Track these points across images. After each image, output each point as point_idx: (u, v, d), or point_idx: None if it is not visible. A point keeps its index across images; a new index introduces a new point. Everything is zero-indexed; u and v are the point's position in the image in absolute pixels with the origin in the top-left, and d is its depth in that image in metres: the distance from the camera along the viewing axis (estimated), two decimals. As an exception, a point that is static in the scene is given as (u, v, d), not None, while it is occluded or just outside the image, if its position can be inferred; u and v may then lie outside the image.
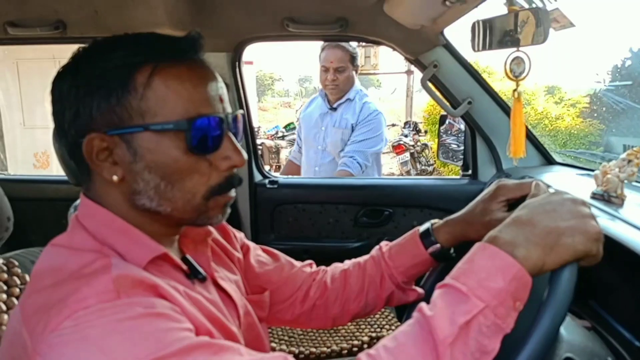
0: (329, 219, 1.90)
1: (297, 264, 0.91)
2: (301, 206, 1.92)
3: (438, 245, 0.82)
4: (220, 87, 0.64)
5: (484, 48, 1.08)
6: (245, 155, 0.65)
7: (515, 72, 1.02)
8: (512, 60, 1.02)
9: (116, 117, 0.58)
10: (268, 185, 1.94)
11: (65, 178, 1.40)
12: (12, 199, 1.94)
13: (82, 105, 0.59)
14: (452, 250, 0.84)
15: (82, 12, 1.54)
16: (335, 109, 2.31)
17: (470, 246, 0.60)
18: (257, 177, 1.98)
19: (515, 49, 1.00)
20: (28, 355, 0.50)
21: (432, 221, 0.86)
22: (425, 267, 0.85)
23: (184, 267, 0.67)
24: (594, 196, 1.07)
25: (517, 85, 1.03)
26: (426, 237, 0.83)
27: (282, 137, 9.23)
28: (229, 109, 0.64)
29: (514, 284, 0.54)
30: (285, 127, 9.59)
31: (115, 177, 0.60)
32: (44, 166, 6.47)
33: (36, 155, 6.47)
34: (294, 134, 9.16)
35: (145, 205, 0.62)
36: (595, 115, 6.28)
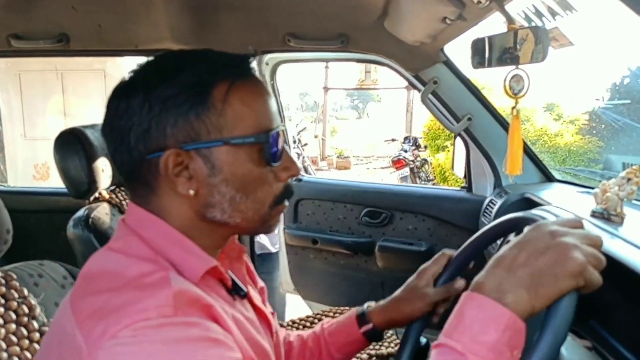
0: (339, 215, 2.16)
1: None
2: (318, 202, 2.17)
3: (370, 325, 0.88)
4: (273, 100, 0.67)
5: (483, 65, 1.09)
6: (300, 165, 0.67)
7: (515, 89, 1.02)
8: (512, 77, 1.03)
9: (194, 133, 0.60)
10: (293, 181, 2.12)
11: (65, 190, 1.40)
12: (11, 210, 1.94)
13: (156, 121, 0.59)
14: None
15: (85, 26, 1.56)
16: None
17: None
18: None
19: (514, 66, 1.00)
20: (81, 358, 0.50)
21: (368, 303, 0.92)
22: (358, 345, 0.90)
23: (229, 282, 0.68)
24: (594, 214, 1.07)
25: (516, 102, 1.04)
26: (362, 318, 0.89)
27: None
28: (280, 121, 0.67)
29: (508, 334, 0.53)
30: (285, 140, 9.61)
31: (191, 191, 0.61)
32: (44, 178, 6.47)
33: (36, 167, 6.48)
34: (294, 147, 9.18)
35: (216, 218, 0.63)
36: (594, 132, 6.31)
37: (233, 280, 0.69)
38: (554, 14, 0.94)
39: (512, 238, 1.24)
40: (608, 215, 1.05)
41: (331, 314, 1.69)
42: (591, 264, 0.54)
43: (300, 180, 2.25)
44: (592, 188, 1.53)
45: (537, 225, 0.59)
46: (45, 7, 1.46)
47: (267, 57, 2.14)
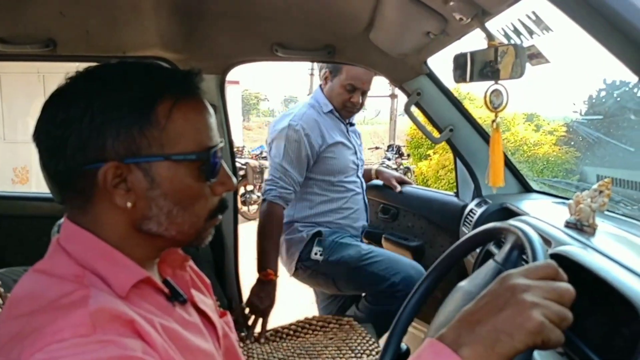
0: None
1: None
2: None
3: None
4: (214, 117, 0.68)
5: (465, 80, 1.12)
6: (235, 180, 0.69)
7: (495, 103, 1.06)
8: (492, 92, 1.07)
9: (135, 146, 0.60)
10: None
11: (48, 195, 1.40)
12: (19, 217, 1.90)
13: (97, 133, 0.59)
14: None
15: (73, 31, 1.55)
16: (352, 124, 2.09)
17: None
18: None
19: (494, 81, 1.04)
20: None
21: None
22: None
23: (166, 290, 0.68)
24: (568, 225, 1.12)
25: (496, 116, 1.08)
26: None
27: (267, 157, 9.23)
28: (219, 137, 0.68)
29: None
30: (269, 146, 9.60)
31: (129, 204, 0.61)
32: (23, 181, 6.36)
33: (15, 170, 6.36)
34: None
35: (151, 230, 0.64)
36: (572, 143, 6.47)
37: (172, 288, 0.69)
38: (531, 32, 0.98)
39: (491, 247, 1.29)
40: (581, 226, 1.09)
41: (314, 322, 1.70)
42: (553, 322, 0.52)
43: None
44: (568, 199, 1.59)
45: (501, 278, 0.58)
46: (33, 12, 1.46)
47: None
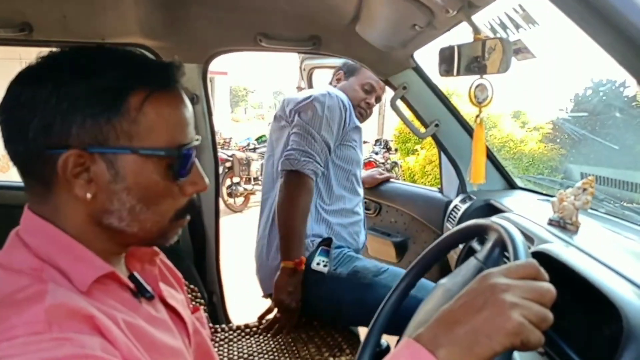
0: None
1: None
2: None
3: None
4: (191, 113, 0.65)
5: (451, 74, 1.10)
6: (207, 181, 0.67)
7: (479, 98, 1.05)
8: (476, 86, 1.05)
9: (101, 136, 0.58)
10: None
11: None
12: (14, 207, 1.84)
13: (62, 118, 0.56)
14: None
15: (50, 15, 1.50)
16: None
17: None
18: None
19: (479, 76, 1.02)
20: None
21: None
22: None
23: (131, 285, 0.66)
24: (551, 222, 1.11)
25: (480, 111, 1.06)
26: None
27: (254, 150, 9.18)
28: (194, 134, 0.66)
29: None
30: (257, 139, 9.55)
31: (88, 195, 0.58)
32: (4, 169, 6.22)
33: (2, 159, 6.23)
34: (265, 146, 9.12)
35: (112, 225, 0.61)
36: (557, 141, 6.52)
37: (138, 283, 0.67)
38: (517, 26, 0.96)
39: (474, 244, 1.28)
40: (564, 224, 1.08)
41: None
42: (532, 323, 0.51)
43: None
44: (552, 196, 1.59)
45: (481, 277, 0.57)
46: (8, -6, 1.40)
47: (305, 63, 2.37)
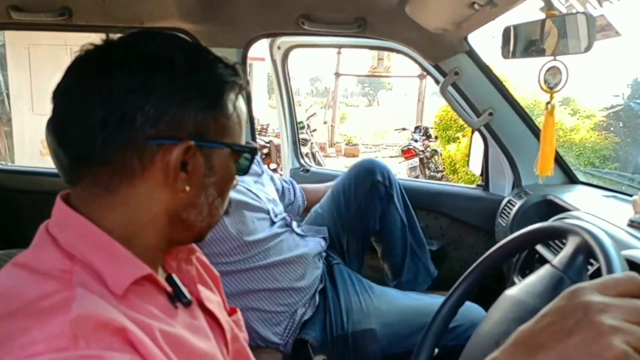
0: None
1: None
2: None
3: None
4: None
5: (514, 55, 0.99)
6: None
7: (550, 83, 0.93)
8: (548, 70, 0.93)
9: (204, 130, 0.58)
10: (301, 173, 2.21)
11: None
12: (11, 190, 1.87)
13: (175, 108, 0.55)
14: None
15: (89, 0, 1.47)
16: None
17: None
18: (295, 164, 2.26)
19: (551, 58, 0.91)
20: None
21: None
22: None
23: (169, 288, 0.60)
24: (632, 224, 0.99)
25: (552, 97, 0.94)
26: None
27: (291, 136, 9.14)
28: None
29: None
30: (294, 126, 9.50)
31: (187, 188, 0.57)
32: (44, 154, 6.46)
33: (43, 142, 6.45)
34: (302, 133, 9.07)
35: (189, 219, 0.60)
36: (611, 129, 6.16)
37: (176, 286, 0.62)
38: (600, 0, 0.84)
39: (538, 247, 1.16)
40: (646, 227, 0.96)
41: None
42: (638, 352, 0.42)
43: (307, 171, 2.21)
44: (619, 192, 1.45)
45: (569, 293, 0.47)
46: (47, -21, 1.38)
47: (279, 40, 2.05)
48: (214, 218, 0.63)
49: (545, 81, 0.93)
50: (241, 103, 0.62)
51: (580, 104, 7.59)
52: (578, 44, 0.86)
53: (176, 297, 0.60)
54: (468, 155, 2.07)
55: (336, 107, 13.67)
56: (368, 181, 1.60)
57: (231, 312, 0.78)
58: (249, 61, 1.79)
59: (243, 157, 0.63)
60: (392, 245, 1.65)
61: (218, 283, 0.77)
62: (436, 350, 0.93)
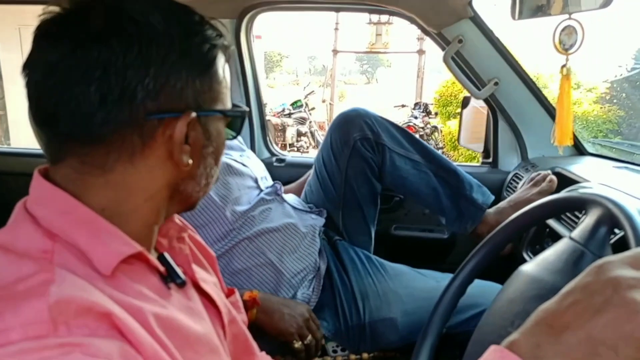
0: None
1: None
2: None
3: None
4: None
5: (526, 15, 0.92)
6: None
7: (565, 44, 0.86)
8: (563, 29, 0.86)
9: (201, 98, 0.54)
10: (275, 164, 1.83)
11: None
12: (4, 173, 1.80)
13: (175, 79, 0.51)
14: None
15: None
16: None
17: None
18: (265, 154, 1.90)
19: (566, 16, 0.84)
20: None
21: None
22: None
23: (161, 268, 0.56)
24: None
25: (567, 59, 0.88)
26: None
27: (289, 115, 9.06)
28: None
29: None
30: (292, 104, 9.41)
31: (190, 161, 0.54)
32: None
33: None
34: (300, 111, 8.97)
35: (187, 191, 0.58)
36: (615, 101, 6.06)
37: (169, 265, 0.57)
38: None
39: (551, 222, 1.11)
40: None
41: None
42: None
43: (282, 161, 1.85)
44: (631, 163, 1.39)
45: (596, 268, 0.43)
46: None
47: None
48: (208, 187, 0.61)
49: (560, 42, 0.86)
50: (226, 66, 0.59)
51: (582, 77, 7.49)
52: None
53: (169, 277, 0.56)
54: (459, 130, 1.98)
55: (334, 85, 13.53)
56: (345, 144, 1.34)
57: (229, 294, 0.74)
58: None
59: (234, 121, 0.61)
60: (416, 193, 1.39)
61: (214, 263, 0.73)
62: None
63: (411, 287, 1.26)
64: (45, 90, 0.49)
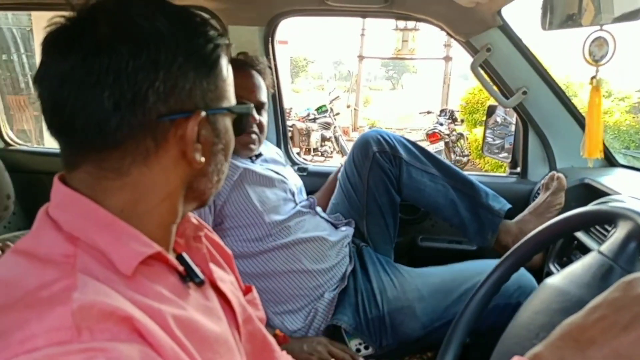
0: None
1: None
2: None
3: None
4: None
5: (555, 26, 0.91)
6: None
7: (596, 55, 0.85)
8: (593, 41, 0.85)
9: (208, 96, 0.56)
10: (297, 174, 1.79)
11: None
12: (37, 172, 1.87)
13: (184, 79, 0.53)
14: None
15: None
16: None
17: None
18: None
19: (597, 28, 0.83)
20: None
21: None
22: None
23: (180, 267, 0.57)
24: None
25: (597, 71, 0.87)
26: None
27: (314, 120, 9.10)
28: None
29: None
30: (317, 109, 9.44)
31: (203, 159, 0.56)
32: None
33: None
34: (325, 116, 9.00)
35: (200, 188, 0.59)
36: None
37: (187, 265, 0.58)
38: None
39: (579, 235, 1.09)
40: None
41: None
42: None
43: (304, 170, 1.84)
44: (664, 175, 1.36)
45: (625, 283, 0.43)
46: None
47: None
48: (220, 182, 0.62)
49: (590, 53, 0.85)
50: (229, 64, 0.60)
51: (614, 85, 7.30)
52: (627, 10, 0.78)
53: (188, 277, 0.57)
54: (483, 141, 1.94)
55: (359, 91, 13.52)
56: (366, 158, 1.44)
57: (246, 291, 0.74)
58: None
59: (240, 117, 0.62)
60: (434, 205, 1.45)
61: (231, 262, 0.74)
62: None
63: (427, 278, 1.33)
64: (59, 100, 0.50)
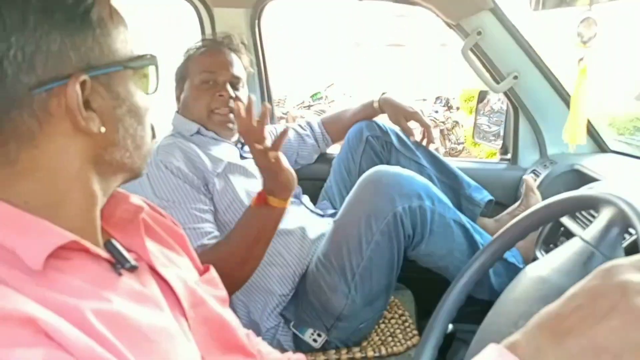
0: None
1: None
2: (319, 183, 1.67)
3: None
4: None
5: (543, 5, 0.88)
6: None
7: (584, 36, 0.83)
8: (582, 21, 0.83)
9: (90, 56, 0.49)
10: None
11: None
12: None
13: (47, 42, 0.46)
14: None
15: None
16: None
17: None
18: None
19: (587, 7, 0.80)
20: None
21: None
22: None
23: (105, 255, 0.52)
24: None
25: (584, 54, 0.84)
26: None
27: (308, 107, 9.04)
28: None
29: None
30: (311, 96, 9.38)
31: (103, 129, 0.50)
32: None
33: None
34: (320, 103, 8.94)
35: (115, 160, 0.54)
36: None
37: (116, 251, 0.54)
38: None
39: (566, 221, 1.07)
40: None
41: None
42: None
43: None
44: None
45: (604, 270, 0.41)
46: None
47: None
48: (142, 149, 0.57)
49: (579, 34, 0.83)
50: (116, 14, 0.53)
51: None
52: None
53: (119, 264, 0.53)
54: (474, 126, 1.92)
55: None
56: (360, 141, 1.52)
57: (204, 271, 0.71)
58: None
59: (146, 71, 0.56)
60: None
61: (184, 243, 0.70)
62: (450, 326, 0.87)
63: None
64: None
